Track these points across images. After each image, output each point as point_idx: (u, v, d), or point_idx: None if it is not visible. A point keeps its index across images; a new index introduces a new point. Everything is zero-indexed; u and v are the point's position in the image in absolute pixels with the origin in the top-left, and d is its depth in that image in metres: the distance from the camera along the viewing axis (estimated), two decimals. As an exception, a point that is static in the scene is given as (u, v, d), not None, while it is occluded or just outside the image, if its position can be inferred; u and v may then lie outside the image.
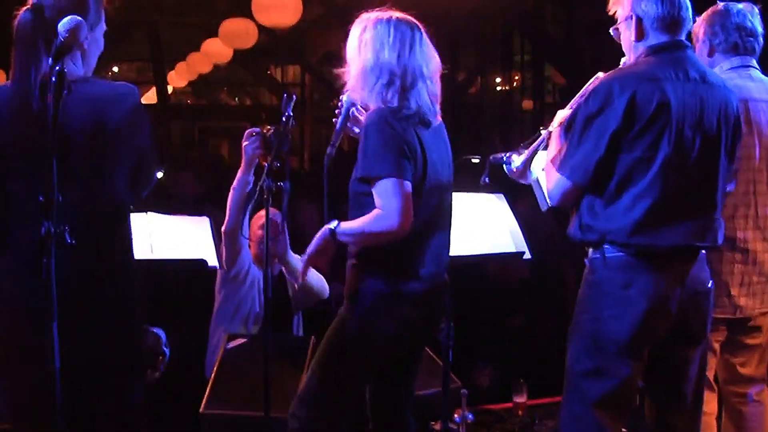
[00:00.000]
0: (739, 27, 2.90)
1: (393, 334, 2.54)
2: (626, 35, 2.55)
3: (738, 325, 2.94)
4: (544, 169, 2.60)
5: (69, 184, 2.05)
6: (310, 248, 2.58)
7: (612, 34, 2.60)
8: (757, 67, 2.97)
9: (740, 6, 2.93)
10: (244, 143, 3.41)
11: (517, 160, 2.72)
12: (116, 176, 2.33)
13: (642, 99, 2.36)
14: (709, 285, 2.54)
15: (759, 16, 2.96)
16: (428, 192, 2.54)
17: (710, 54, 2.95)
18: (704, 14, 2.96)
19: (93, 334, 2.26)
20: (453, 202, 2.71)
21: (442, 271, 2.66)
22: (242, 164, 3.45)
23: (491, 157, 2.82)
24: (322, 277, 3.95)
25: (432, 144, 2.57)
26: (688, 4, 2.50)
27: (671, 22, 2.47)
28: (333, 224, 2.53)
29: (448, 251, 2.69)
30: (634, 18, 2.50)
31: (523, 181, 2.73)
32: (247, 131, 3.43)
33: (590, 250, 2.51)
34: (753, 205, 2.88)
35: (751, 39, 2.92)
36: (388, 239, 2.46)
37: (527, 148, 2.71)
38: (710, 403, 2.97)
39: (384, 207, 2.42)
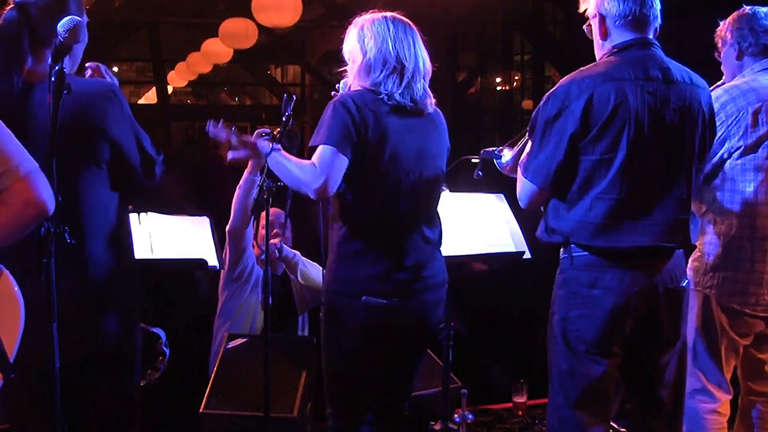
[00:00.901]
0: (767, 30, 2.91)
1: (373, 319, 2.56)
2: (594, 34, 2.54)
3: None
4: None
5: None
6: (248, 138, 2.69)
7: (585, 31, 2.60)
8: None
9: (765, 9, 2.94)
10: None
11: (507, 154, 2.72)
12: (87, 173, 2.29)
13: (599, 101, 2.35)
14: (683, 283, 2.52)
15: None
16: (390, 177, 2.56)
17: (739, 57, 2.95)
18: (730, 18, 2.96)
19: (78, 332, 2.25)
20: (442, 198, 2.74)
21: (426, 264, 2.65)
22: (249, 164, 3.46)
23: (483, 152, 2.82)
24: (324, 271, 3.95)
25: (403, 133, 2.58)
26: (655, 1, 2.48)
27: (634, 19, 2.44)
28: (276, 147, 2.59)
29: (434, 247, 2.69)
30: (597, 17, 2.49)
31: (514, 176, 2.73)
32: (257, 131, 3.41)
33: (560, 250, 2.51)
34: None
35: None
36: (304, 192, 2.49)
37: (513, 145, 2.71)
38: (725, 405, 2.96)
39: (317, 165, 2.47)
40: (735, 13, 2.96)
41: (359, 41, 2.60)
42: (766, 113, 2.82)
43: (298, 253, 3.90)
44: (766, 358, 2.99)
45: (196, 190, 8.10)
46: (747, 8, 2.95)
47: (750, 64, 2.93)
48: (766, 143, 2.83)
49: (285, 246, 3.84)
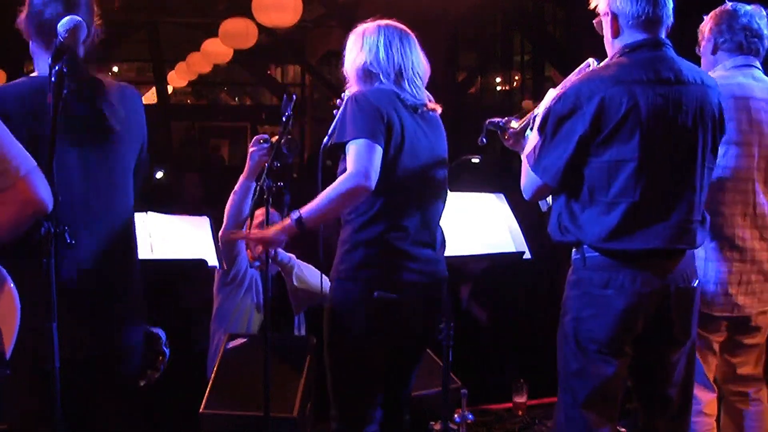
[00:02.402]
0: (745, 28, 2.90)
1: (381, 314, 2.58)
2: (605, 31, 2.54)
3: (738, 325, 2.92)
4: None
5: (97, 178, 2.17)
6: (268, 233, 2.58)
7: (595, 26, 2.60)
8: (760, 68, 2.96)
9: (748, 7, 2.94)
10: (252, 149, 3.25)
11: (513, 126, 2.73)
12: (130, 167, 2.39)
13: (610, 103, 2.35)
14: (694, 283, 2.52)
15: (766, 19, 2.95)
16: (406, 171, 2.59)
17: (714, 52, 2.95)
18: (712, 13, 2.97)
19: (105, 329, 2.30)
20: (446, 199, 2.77)
21: (435, 261, 2.69)
22: (246, 170, 3.31)
23: (488, 121, 2.82)
24: (322, 274, 3.96)
25: (417, 130, 2.64)
26: (668, 0, 2.47)
27: (647, 20, 2.44)
28: (296, 214, 2.51)
29: (440, 245, 2.73)
30: (610, 15, 2.49)
31: (515, 149, 2.74)
32: (256, 137, 3.28)
33: (573, 250, 2.51)
34: (751, 203, 2.86)
35: (756, 40, 2.92)
36: (357, 198, 2.49)
37: (520, 118, 2.72)
38: (710, 404, 2.95)
39: (355, 165, 2.46)
40: (717, 9, 2.95)
41: (359, 50, 2.65)
42: (726, 111, 2.73)
43: (293, 256, 3.89)
44: (738, 361, 2.99)
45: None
46: (729, 4, 2.94)
47: (723, 60, 2.92)
48: (725, 140, 2.80)
49: (280, 249, 3.81)
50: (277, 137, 2.99)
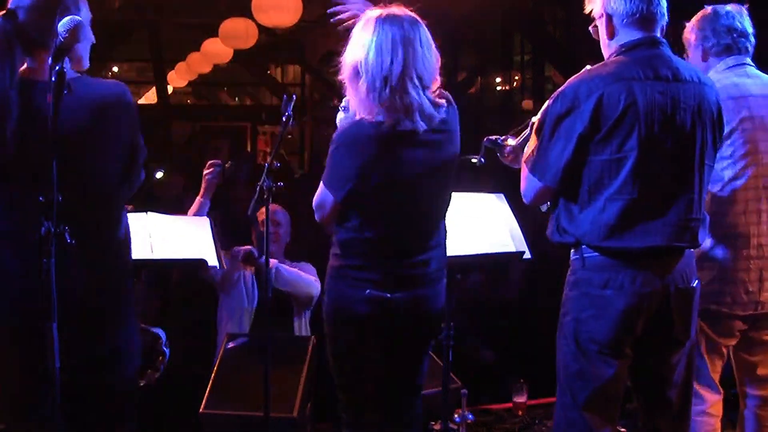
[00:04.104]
0: (729, 29, 2.90)
1: (373, 312, 2.58)
2: (601, 34, 2.54)
3: (758, 321, 2.90)
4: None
5: (63, 183, 2.04)
6: None
7: (591, 32, 2.59)
8: (752, 64, 2.96)
9: (728, 8, 2.93)
10: (205, 172, 3.79)
11: (510, 143, 2.73)
12: (108, 172, 2.34)
13: (609, 101, 2.35)
14: (694, 284, 2.51)
15: (748, 16, 2.95)
16: (387, 196, 2.57)
17: (704, 58, 2.95)
18: (693, 19, 2.97)
19: (88, 328, 2.28)
20: (442, 204, 2.71)
21: (427, 261, 2.65)
22: (201, 190, 3.81)
23: (486, 139, 2.81)
24: (308, 275, 4.01)
25: (401, 155, 2.54)
26: None
27: (642, 18, 2.44)
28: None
29: (435, 245, 2.69)
30: (604, 16, 2.49)
31: (515, 166, 2.72)
32: (209, 162, 3.82)
33: (571, 251, 2.51)
34: (764, 199, 2.85)
35: (743, 39, 2.92)
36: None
37: (517, 135, 2.71)
38: (716, 405, 2.94)
39: (315, 207, 2.68)
40: (698, 14, 2.95)
41: (351, 53, 2.54)
42: (726, 112, 2.69)
43: (276, 261, 3.96)
44: (757, 360, 2.97)
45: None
46: (708, 8, 2.94)
47: (715, 64, 2.93)
48: (731, 140, 2.81)
49: (254, 250, 3.93)
50: (229, 163, 3.75)
